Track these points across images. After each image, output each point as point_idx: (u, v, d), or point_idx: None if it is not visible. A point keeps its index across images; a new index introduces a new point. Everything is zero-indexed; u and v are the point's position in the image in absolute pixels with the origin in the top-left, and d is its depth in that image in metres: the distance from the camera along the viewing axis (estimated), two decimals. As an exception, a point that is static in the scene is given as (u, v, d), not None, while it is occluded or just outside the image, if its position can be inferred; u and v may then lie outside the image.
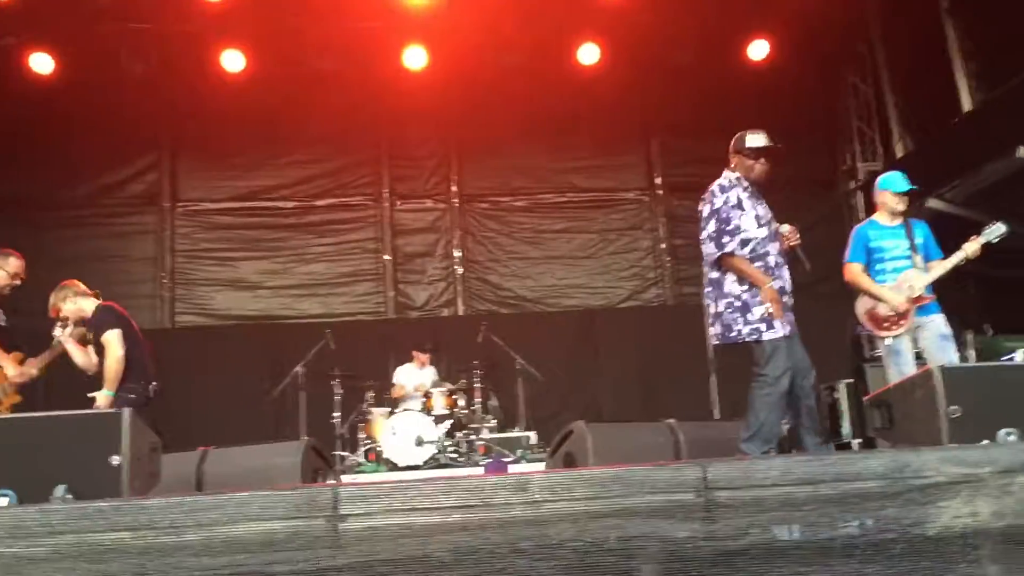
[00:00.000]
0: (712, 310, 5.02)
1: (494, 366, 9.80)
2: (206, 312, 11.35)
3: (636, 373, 10.94)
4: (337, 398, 9.32)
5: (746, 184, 5.04)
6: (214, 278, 11.43)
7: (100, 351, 5.77)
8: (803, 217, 5.71)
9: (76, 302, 5.94)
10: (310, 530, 2.42)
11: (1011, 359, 7.91)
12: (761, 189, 5.13)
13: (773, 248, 4.98)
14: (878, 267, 5.78)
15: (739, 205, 4.95)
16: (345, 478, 7.87)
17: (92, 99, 10.54)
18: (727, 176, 5.08)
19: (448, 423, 9.00)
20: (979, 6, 9.41)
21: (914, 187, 5.85)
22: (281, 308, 11.39)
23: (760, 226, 4.96)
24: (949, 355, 5.51)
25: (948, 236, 5.91)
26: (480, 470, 8.06)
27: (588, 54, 10.78)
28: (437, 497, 2.47)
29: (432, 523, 2.44)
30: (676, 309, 11.56)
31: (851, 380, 8.57)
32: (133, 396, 5.64)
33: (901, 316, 5.61)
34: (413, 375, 9.72)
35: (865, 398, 5.29)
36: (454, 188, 11.92)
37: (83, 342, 5.96)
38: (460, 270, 11.76)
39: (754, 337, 4.79)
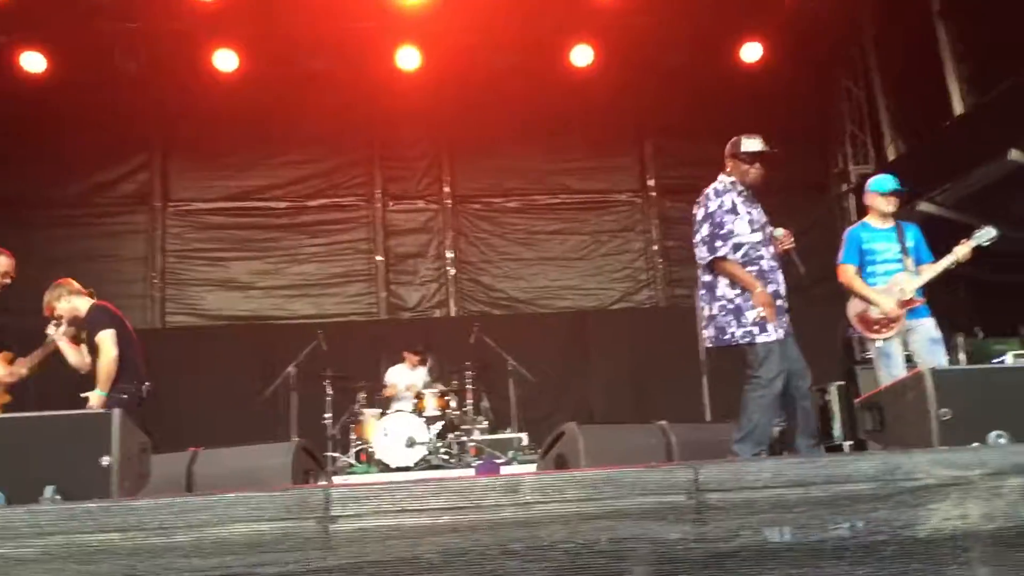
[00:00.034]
0: (706, 313, 5.05)
1: (486, 367, 9.80)
2: (197, 312, 11.31)
3: (628, 375, 10.95)
4: (328, 399, 9.31)
5: (741, 188, 5.07)
6: (205, 278, 11.39)
7: (94, 351, 5.76)
8: (797, 220, 5.73)
9: (70, 301, 5.92)
10: (300, 531, 2.41)
11: (1001, 362, 7.95)
12: (756, 193, 5.15)
13: (767, 252, 5.00)
14: (869, 269, 5.80)
15: (733, 209, 4.98)
16: (336, 479, 7.85)
17: (84, 98, 10.51)
18: (722, 180, 5.11)
19: (440, 424, 8.99)
20: (971, 10, 9.45)
21: (900, 188, 5.88)
22: (273, 308, 11.37)
23: (754, 230, 4.98)
24: (939, 359, 5.54)
25: (939, 239, 5.93)
26: (471, 471, 8.06)
27: (581, 56, 10.79)
28: (428, 499, 2.47)
29: (423, 524, 2.44)
30: (668, 311, 11.57)
31: (842, 382, 8.59)
32: (126, 396, 5.63)
33: (892, 319, 5.63)
34: (404, 376, 9.71)
35: (856, 400, 5.29)
36: (447, 189, 11.91)
37: (75, 341, 5.95)
38: (452, 271, 11.75)
39: (747, 340, 4.81)
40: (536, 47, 10.70)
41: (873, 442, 4.48)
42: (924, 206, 9.51)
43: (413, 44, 10.58)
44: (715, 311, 4.96)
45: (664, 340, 10.65)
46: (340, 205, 11.76)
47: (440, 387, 9.44)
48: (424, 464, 8.52)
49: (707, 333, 5.04)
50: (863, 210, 6.18)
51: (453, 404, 9.31)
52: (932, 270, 5.70)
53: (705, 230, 4.99)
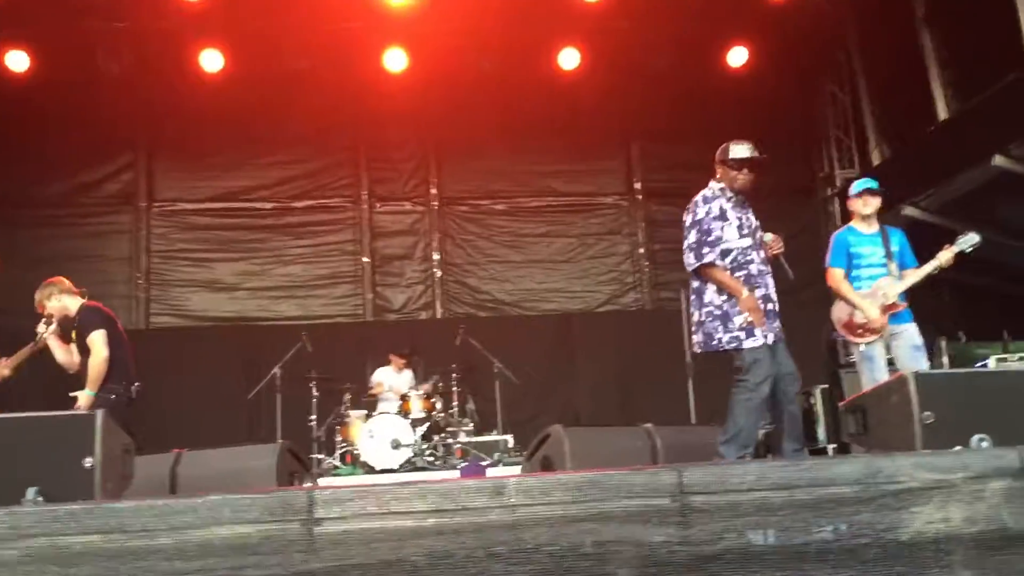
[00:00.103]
0: (694, 319, 5.09)
1: (472, 369, 9.80)
2: (182, 313, 11.26)
3: (614, 377, 10.96)
4: (314, 401, 9.29)
5: (730, 194, 5.10)
6: (190, 279, 11.34)
7: (83, 350, 5.73)
8: (784, 225, 5.75)
9: (60, 300, 5.90)
10: (284, 534, 2.40)
11: (984, 366, 8.01)
12: (747, 198, 5.18)
13: (757, 256, 5.03)
14: (854, 273, 5.83)
15: (721, 216, 5.01)
16: (322, 481, 7.83)
17: (68, 97, 10.45)
18: (711, 187, 5.15)
19: (425, 426, 8.98)
20: (955, 16, 9.51)
21: (872, 187, 5.91)
22: (258, 310, 11.33)
23: (743, 236, 5.01)
24: (921, 365, 5.59)
25: (923, 244, 5.97)
26: (457, 474, 8.05)
27: (568, 59, 10.81)
28: (413, 501, 2.46)
29: (407, 527, 2.43)
30: (654, 314, 11.59)
31: (826, 385, 8.64)
32: (114, 396, 5.62)
33: (875, 329, 5.67)
34: (390, 379, 9.70)
35: (840, 403, 5.32)
36: (433, 191, 11.90)
37: (65, 339, 5.92)
38: (439, 273, 11.74)
39: (734, 345, 4.84)
40: (523, 50, 10.71)
41: (857, 445, 4.51)
42: (908, 211, 9.56)
43: (400, 45, 10.58)
44: (703, 317, 5.00)
45: (650, 343, 10.68)
46: (326, 206, 11.73)
47: (426, 388, 9.42)
48: (409, 466, 8.51)
49: (696, 338, 5.08)
50: (848, 214, 6.22)
51: (439, 406, 9.30)
52: (915, 275, 5.74)
53: (693, 237, 5.03)
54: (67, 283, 6.00)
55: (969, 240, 5.72)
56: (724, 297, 4.92)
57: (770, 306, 4.97)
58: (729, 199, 5.08)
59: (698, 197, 5.13)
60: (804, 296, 7.88)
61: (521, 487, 2.51)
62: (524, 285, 11.79)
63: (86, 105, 10.61)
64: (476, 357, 9.77)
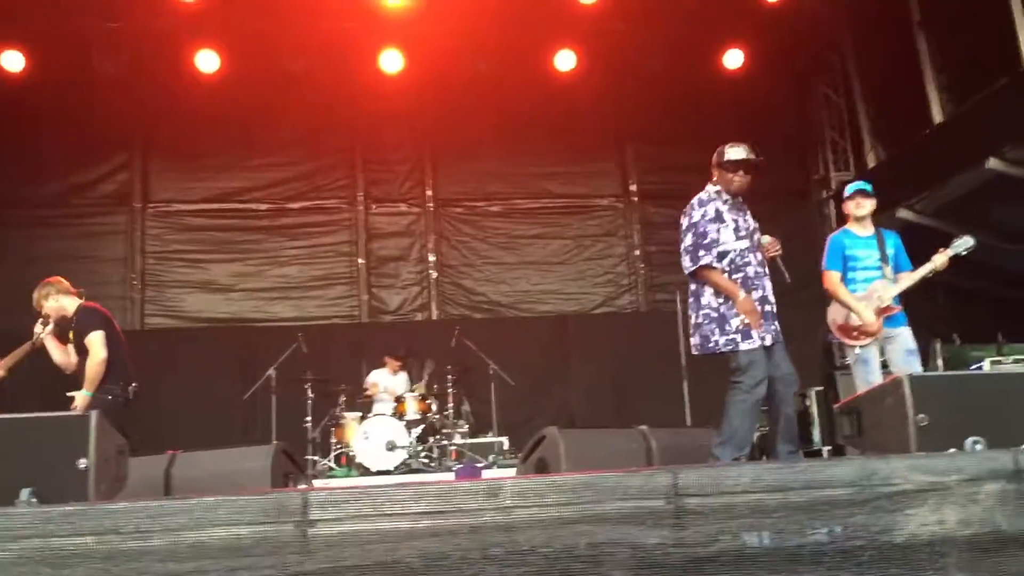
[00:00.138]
0: (692, 321, 5.11)
1: (467, 371, 9.78)
2: (176, 314, 11.23)
3: (609, 379, 10.97)
4: (309, 402, 9.27)
5: (726, 197, 5.11)
6: (185, 280, 11.31)
7: (82, 351, 5.72)
8: (779, 227, 5.75)
9: (58, 300, 5.87)
10: (278, 535, 2.39)
11: (979, 368, 8.03)
12: (744, 200, 5.19)
13: (754, 258, 5.03)
14: (849, 276, 5.83)
15: (717, 218, 5.02)
16: (316, 483, 7.82)
17: (63, 97, 10.43)
18: (707, 189, 5.17)
19: (420, 428, 8.97)
20: (950, 20, 9.54)
21: (862, 188, 5.93)
22: (253, 311, 11.31)
23: (739, 238, 5.02)
24: (914, 369, 5.58)
25: (918, 246, 5.98)
26: (452, 475, 8.05)
27: (564, 60, 10.82)
28: (408, 503, 2.46)
29: (402, 529, 2.43)
30: (649, 315, 11.60)
31: (821, 388, 8.64)
32: (111, 397, 5.61)
33: (871, 333, 5.68)
34: (385, 380, 9.68)
35: (835, 405, 5.33)
36: (429, 192, 11.89)
37: (62, 340, 5.90)
38: (434, 274, 11.73)
39: (730, 348, 4.85)
40: (519, 52, 10.71)
41: (851, 447, 4.51)
42: (903, 213, 9.59)
43: (396, 47, 10.58)
44: (700, 319, 5.02)
45: (645, 345, 10.69)
46: (322, 208, 11.71)
47: (421, 389, 9.41)
48: (404, 468, 8.49)
49: (693, 341, 5.10)
50: (843, 217, 6.23)
51: (434, 408, 9.29)
52: (910, 278, 5.75)
53: (689, 240, 5.04)
54: (65, 283, 5.98)
55: (964, 243, 5.74)
56: (721, 300, 4.93)
57: (768, 308, 4.98)
58: (725, 201, 5.10)
59: (694, 200, 5.14)
60: (800, 297, 7.89)
61: (516, 489, 2.51)
62: (520, 287, 11.79)
63: (81, 105, 10.59)
64: (471, 359, 9.76)
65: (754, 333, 4.82)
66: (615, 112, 11.71)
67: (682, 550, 2.46)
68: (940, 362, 8.60)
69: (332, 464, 8.93)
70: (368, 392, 9.56)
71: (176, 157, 11.51)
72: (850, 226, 5.99)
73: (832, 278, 5.85)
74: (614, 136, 12.17)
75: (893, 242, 5.92)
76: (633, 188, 12.15)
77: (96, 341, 5.66)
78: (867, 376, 5.61)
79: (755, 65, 11.10)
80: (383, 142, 11.85)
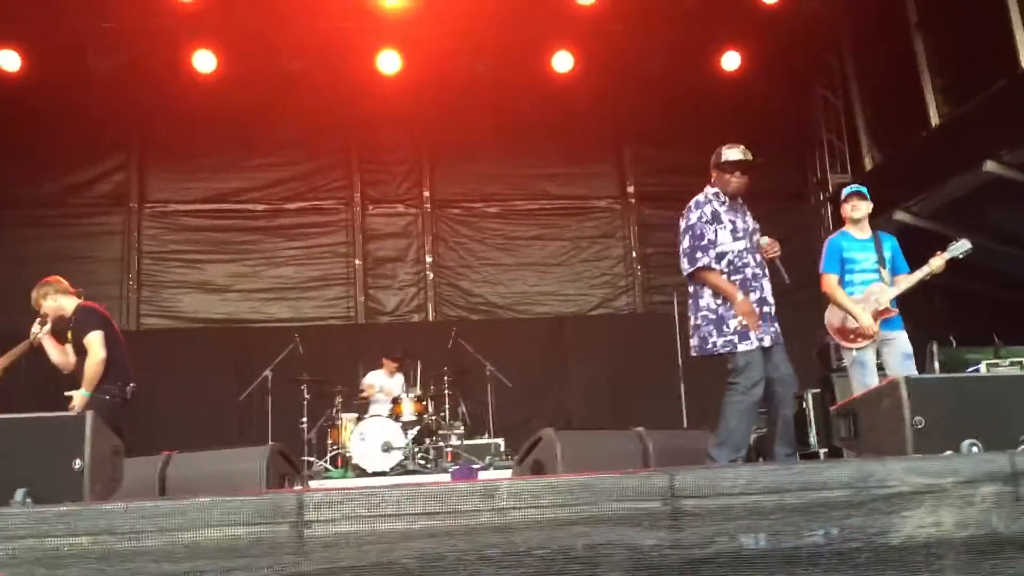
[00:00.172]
0: (691, 323, 5.12)
1: (464, 372, 9.78)
2: (173, 315, 11.21)
3: (606, 381, 10.97)
4: (305, 403, 9.26)
5: (724, 198, 5.11)
6: (181, 280, 11.29)
7: (80, 351, 5.71)
8: (778, 229, 5.75)
9: (56, 299, 5.86)
10: (274, 536, 2.39)
11: (975, 371, 8.03)
12: (743, 202, 5.19)
13: (753, 259, 5.04)
14: (847, 278, 5.84)
15: (714, 219, 5.02)
16: (313, 484, 7.80)
17: (60, 97, 10.41)
18: (705, 191, 5.18)
19: (416, 429, 8.96)
20: (948, 22, 9.55)
21: (858, 190, 5.94)
22: (249, 312, 11.29)
23: (737, 239, 5.02)
24: (910, 373, 5.59)
25: (915, 249, 5.99)
26: (448, 477, 8.04)
27: (562, 62, 10.82)
28: (404, 504, 2.45)
29: (398, 530, 2.42)
30: (646, 317, 11.60)
31: (818, 390, 8.65)
32: (109, 397, 5.60)
33: (868, 336, 5.68)
34: (382, 382, 9.67)
35: (832, 408, 5.33)
36: (426, 193, 11.88)
37: (60, 339, 5.89)
38: (431, 275, 11.72)
39: (728, 349, 4.86)
40: (517, 53, 10.71)
41: (848, 449, 4.52)
42: (900, 215, 9.60)
43: (394, 47, 10.56)
44: (698, 321, 5.03)
45: (642, 346, 10.69)
46: (319, 208, 11.70)
47: (417, 392, 9.41)
48: (400, 469, 8.49)
49: (692, 342, 5.11)
50: (840, 219, 6.24)
51: (430, 409, 9.28)
52: (907, 281, 5.76)
53: (687, 242, 5.05)
54: (64, 283, 5.97)
55: (961, 247, 5.75)
56: (719, 301, 4.94)
57: (766, 309, 4.98)
58: (723, 203, 5.10)
59: (691, 202, 5.15)
60: (799, 299, 7.89)
61: (512, 490, 2.51)
62: (517, 288, 11.79)
63: (77, 105, 10.57)
64: (468, 360, 9.76)
65: (752, 334, 4.82)
66: (613, 113, 11.71)
67: (679, 551, 2.46)
68: (937, 364, 8.60)
69: (328, 465, 8.92)
70: (364, 393, 9.55)
71: (173, 157, 11.49)
72: (847, 228, 6.00)
73: (830, 281, 5.86)
74: (612, 137, 12.17)
75: (890, 245, 5.94)
76: (631, 190, 12.14)
77: (95, 341, 5.65)
78: (864, 378, 5.62)
79: (753, 67, 11.10)
80: (380, 143, 11.84)
